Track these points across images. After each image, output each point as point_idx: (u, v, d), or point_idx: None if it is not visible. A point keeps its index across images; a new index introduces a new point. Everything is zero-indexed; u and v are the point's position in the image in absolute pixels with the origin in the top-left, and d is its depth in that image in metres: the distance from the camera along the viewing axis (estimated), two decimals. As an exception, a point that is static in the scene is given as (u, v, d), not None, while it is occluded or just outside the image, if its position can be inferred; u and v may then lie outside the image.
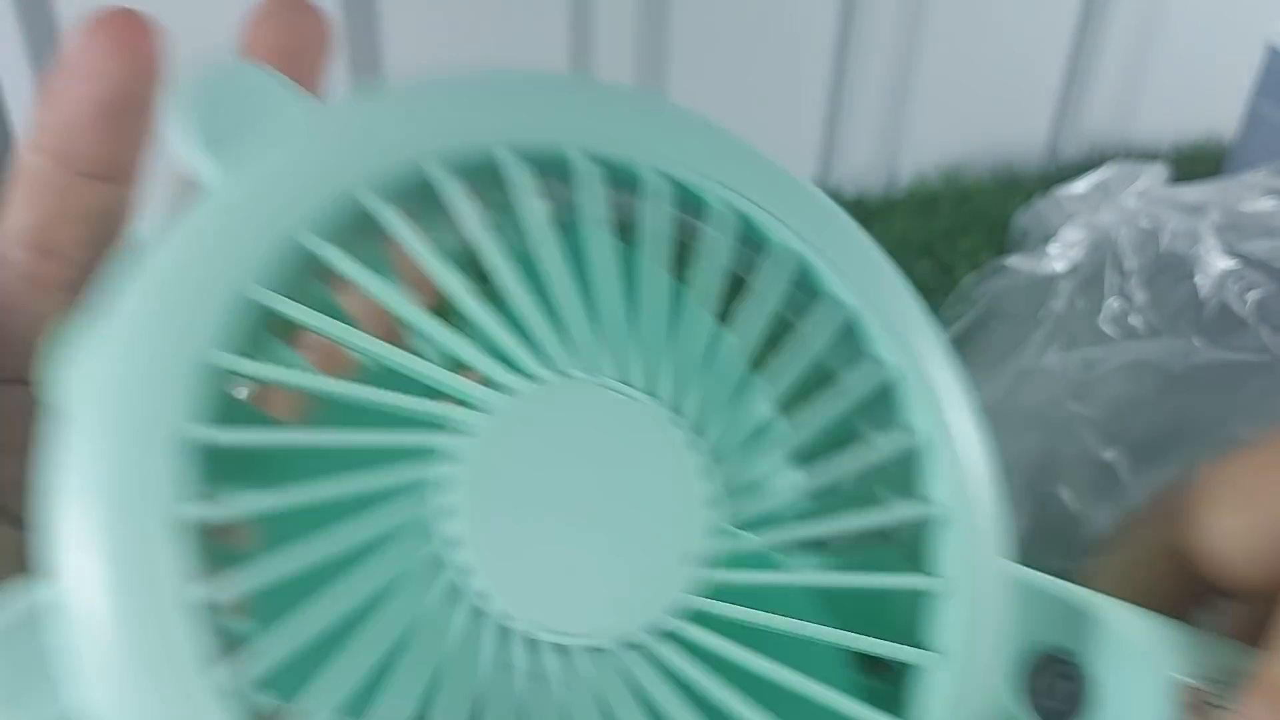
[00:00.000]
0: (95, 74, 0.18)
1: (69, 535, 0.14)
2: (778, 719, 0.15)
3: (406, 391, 0.15)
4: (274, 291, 0.15)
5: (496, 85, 0.16)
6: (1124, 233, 0.40)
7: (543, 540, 0.15)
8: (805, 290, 0.18)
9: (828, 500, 0.17)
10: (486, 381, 0.16)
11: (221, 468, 0.15)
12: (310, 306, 0.15)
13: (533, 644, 0.15)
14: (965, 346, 0.41)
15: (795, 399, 0.17)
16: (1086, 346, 0.38)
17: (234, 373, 0.15)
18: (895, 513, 0.17)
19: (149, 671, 0.14)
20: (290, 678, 0.14)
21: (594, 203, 0.17)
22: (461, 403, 0.15)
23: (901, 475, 0.18)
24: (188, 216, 0.15)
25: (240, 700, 0.14)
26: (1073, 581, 0.18)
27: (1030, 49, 0.62)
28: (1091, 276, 0.40)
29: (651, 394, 0.16)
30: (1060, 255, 0.41)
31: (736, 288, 0.18)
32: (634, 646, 0.15)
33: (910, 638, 0.17)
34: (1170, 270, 0.38)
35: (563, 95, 0.17)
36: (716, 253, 0.17)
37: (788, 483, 0.17)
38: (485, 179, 0.16)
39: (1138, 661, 0.17)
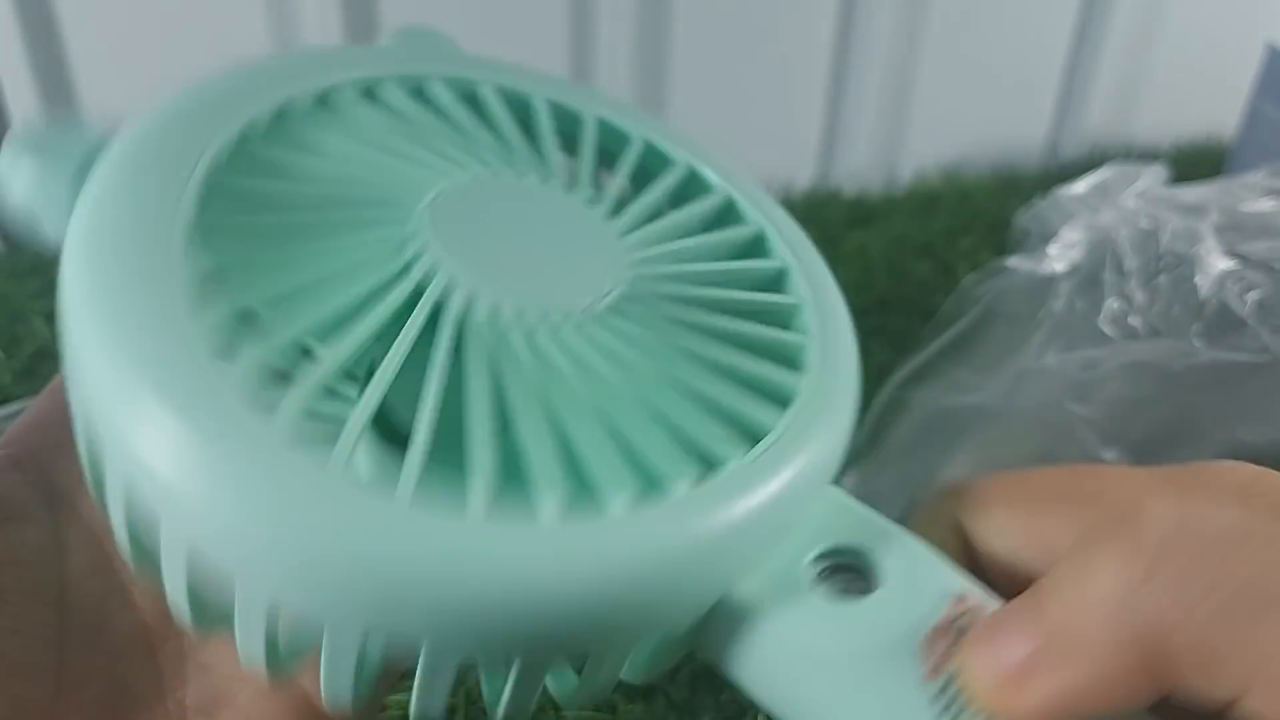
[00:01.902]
0: None
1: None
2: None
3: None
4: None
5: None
6: (1124, 233, 0.40)
7: (501, 251, 0.20)
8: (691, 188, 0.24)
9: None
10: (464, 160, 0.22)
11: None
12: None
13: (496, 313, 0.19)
14: (965, 346, 0.41)
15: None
16: (1086, 347, 0.38)
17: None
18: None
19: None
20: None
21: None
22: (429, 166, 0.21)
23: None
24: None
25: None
26: None
27: (1030, 49, 0.62)
28: (1091, 277, 0.40)
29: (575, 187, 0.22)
30: (1060, 255, 0.41)
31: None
32: (575, 317, 0.20)
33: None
34: (1170, 271, 0.38)
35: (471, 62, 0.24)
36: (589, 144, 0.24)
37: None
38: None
39: (920, 563, 0.19)
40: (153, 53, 0.50)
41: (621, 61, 0.55)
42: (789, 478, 0.19)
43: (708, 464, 0.18)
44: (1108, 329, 0.38)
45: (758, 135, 0.59)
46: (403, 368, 0.18)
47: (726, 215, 0.24)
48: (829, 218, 0.54)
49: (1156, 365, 0.35)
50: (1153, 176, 0.44)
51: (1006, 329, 0.40)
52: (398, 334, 0.18)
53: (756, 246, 0.24)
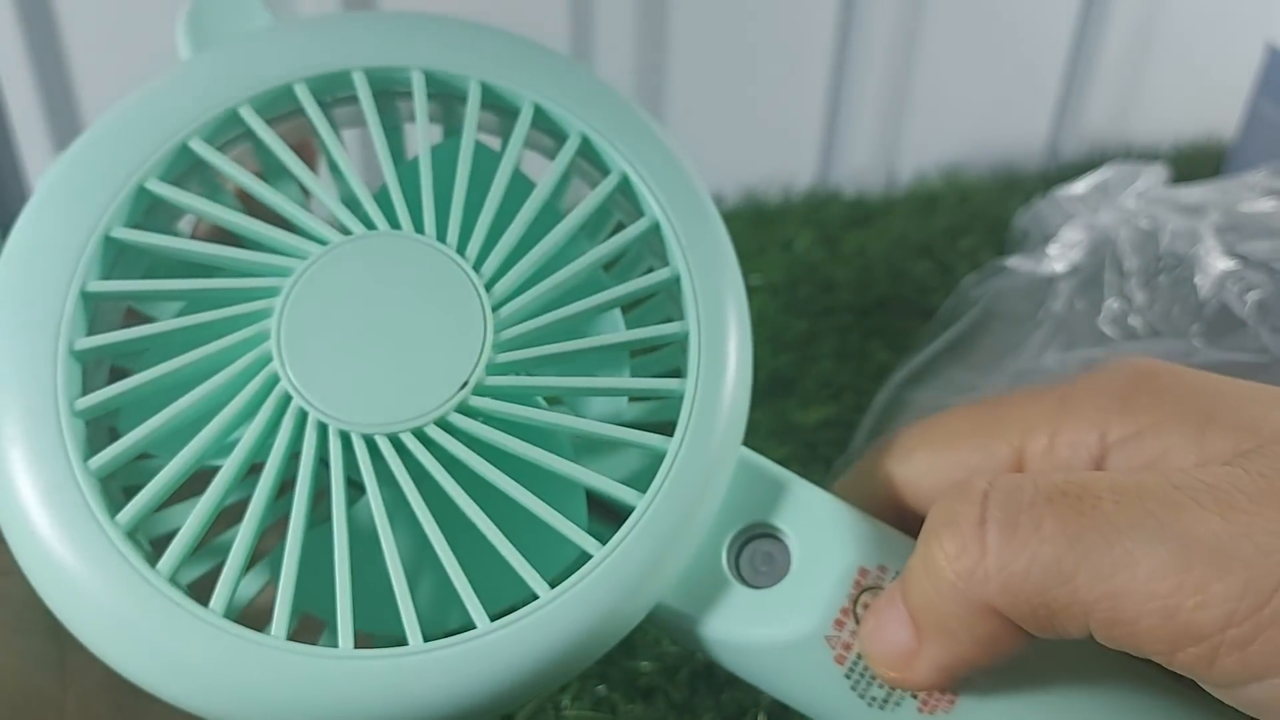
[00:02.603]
0: None
1: None
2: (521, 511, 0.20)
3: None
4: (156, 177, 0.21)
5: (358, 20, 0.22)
6: (1124, 233, 0.40)
7: (352, 358, 0.20)
8: (590, 160, 0.23)
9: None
10: (303, 233, 0.21)
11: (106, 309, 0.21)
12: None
13: (345, 437, 0.20)
14: (965, 346, 0.41)
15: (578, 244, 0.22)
16: (1086, 347, 0.38)
17: (123, 242, 0.20)
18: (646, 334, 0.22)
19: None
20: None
21: (424, 110, 0.22)
22: (282, 252, 0.21)
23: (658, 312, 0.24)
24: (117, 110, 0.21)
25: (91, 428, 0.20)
26: None
27: (1030, 49, 0.62)
28: (1091, 277, 0.40)
29: (440, 240, 0.21)
30: (1060, 256, 0.41)
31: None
32: (421, 434, 0.20)
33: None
34: (1170, 271, 0.38)
35: (407, 28, 0.23)
36: (517, 138, 0.22)
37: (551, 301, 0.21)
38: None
39: (826, 541, 0.21)
40: (153, 53, 0.50)
41: (621, 61, 0.55)
42: (623, 587, 0.20)
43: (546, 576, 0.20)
44: (1107, 329, 0.38)
45: (758, 135, 0.59)
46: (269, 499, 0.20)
47: (606, 213, 0.24)
48: (829, 218, 0.54)
49: (1156, 365, 0.35)
50: (1152, 176, 0.44)
51: (1006, 329, 0.40)
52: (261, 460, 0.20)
53: (649, 241, 0.22)
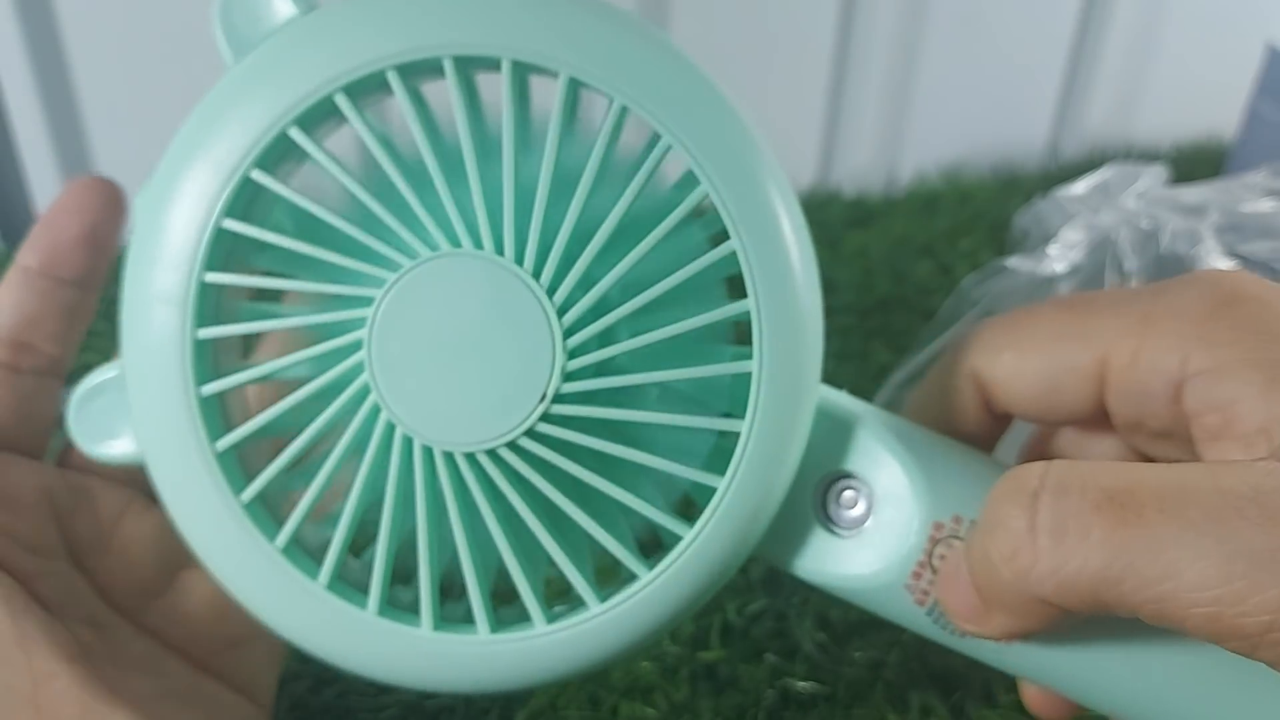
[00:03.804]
0: (84, 208, 0.25)
1: (124, 333, 0.22)
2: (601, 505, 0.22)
3: (347, 251, 0.21)
4: (258, 168, 0.21)
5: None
6: (1124, 233, 0.40)
7: (436, 375, 0.21)
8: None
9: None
10: (407, 249, 0.21)
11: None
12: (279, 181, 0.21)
13: (425, 450, 0.21)
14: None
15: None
16: (1086, 347, 0.37)
17: (234, 232, 0.21)
18: (714, 314, 0.21)
19: (173, 432, 0.22)
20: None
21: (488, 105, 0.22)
22: (385, 264, 0.21)
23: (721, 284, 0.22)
24: (216, 107, 0.21)
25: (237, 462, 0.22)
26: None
27: (1030, 49, 0.62)
28: (1091, 277, 0.40)
29: (520, 263, 0.21)
30: (1060, 256, 0.41)
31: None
32: (495, 456, 0.21)
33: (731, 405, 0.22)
34: (1170, 271, 0.38)
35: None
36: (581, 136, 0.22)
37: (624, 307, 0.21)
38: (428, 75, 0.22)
39: (900, 494, 0.23)
40: (153, 53, 0.50)
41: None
42: (691, 589, 0.22)
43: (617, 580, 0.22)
44: (1108, 329, 0.38)
45: (758, 135, 0.59)
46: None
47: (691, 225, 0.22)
48: (829, 218, 0.54)
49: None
50: (1153, 177, 0.44)
51: (1006, 329, 0.40)
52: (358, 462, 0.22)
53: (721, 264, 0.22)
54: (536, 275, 0.21)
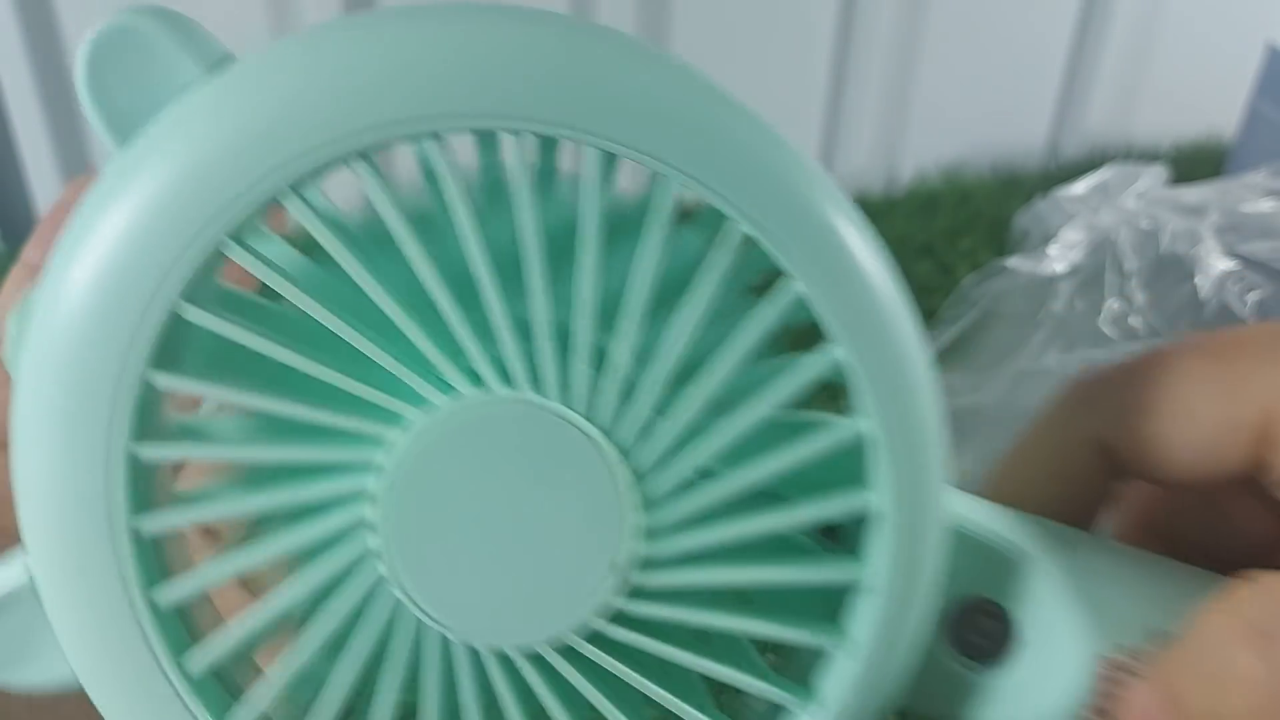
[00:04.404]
0: None
1: (30, 522, 0.16)
2: (698, 695, 0.17)
3: (326, 403, 0.16)
4: (189, 301, 0.15)
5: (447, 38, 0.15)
6: (1124, 234, 0.40)
7: (471, 556, 0.16)
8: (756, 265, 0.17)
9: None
10: (413, 396, 0.16)
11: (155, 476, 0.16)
12: (223, 313, 0.15)
13: (469, 649, 0.16)
14: (965, 347, 0.41)
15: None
16: (1086, 348, 0.38)
17: (163, 390, 0.15)
18: (820, 443, 0.17)
19: (110, 652, 0.16)
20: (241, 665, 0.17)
21: (530, 193, 0.15)
22: (386, 419, 0.16)
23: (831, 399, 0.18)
24: (102, 220, 0.15)
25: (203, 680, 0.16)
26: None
27: (1030, 49, 0.62)
28: (1091, 278, 0.40)
29: (573, 407, 0.16)
30: (1060, 256, 0.41)
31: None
32: (560, 648, 0.16)
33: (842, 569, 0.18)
34: (1170, 271, 0.38)
35: (533, 60, 0.15)
36: (656, 247, 0.16)
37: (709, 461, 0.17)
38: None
39: (1064, 629, 0.18)
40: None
41: (621, 61, 0.55)
42: None
43: None
44: (1108, 329, 0.38)
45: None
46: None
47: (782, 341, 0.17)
48: (829, 218, 0.54)
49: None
50: (1153, 177, 0.44)
51: (1006, 330, 0.40)
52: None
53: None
54: (591, 418, 0.16)
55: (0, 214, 0.51)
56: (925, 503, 0.17)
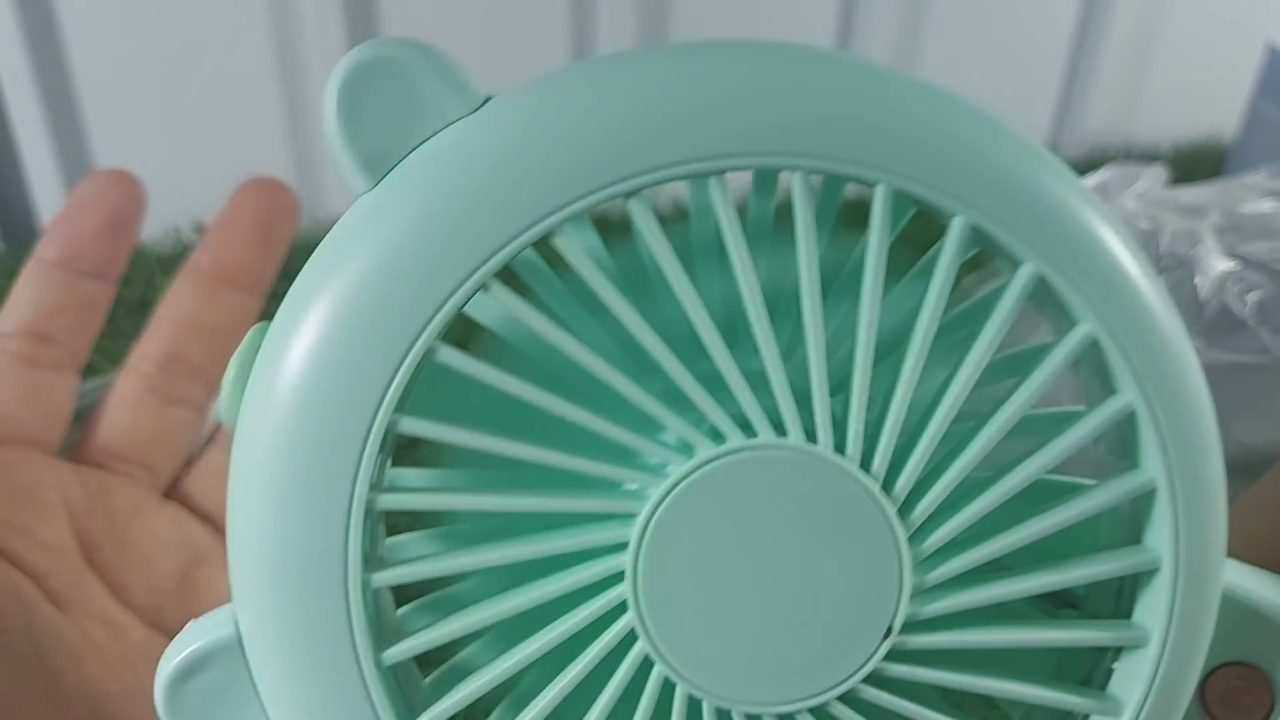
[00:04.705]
0: (104, 201, 0.25)
1: (246, 574, 0.15)
2: None
3: (579, 448, 0.15)
4: (443, 343, 0.14)
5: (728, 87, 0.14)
6: (1124, 234, 0.40)
7: (728, 613, 0.15)
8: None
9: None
10: (677, 444, 0.15)
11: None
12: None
13: (722, 715, 0.15)
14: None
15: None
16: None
17: (409, 435, 0.15)
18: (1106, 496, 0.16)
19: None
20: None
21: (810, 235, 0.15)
22: (649, 468, 0.15)
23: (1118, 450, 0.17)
24: (354, 257, 0.14)
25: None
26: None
27: (1030, 49, 0.62)
28: (1091, 277, 0.40)
29: (842, 452, 0.15)
30: (1060, 256, 0.41)
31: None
32: (822, 713, 0.16)
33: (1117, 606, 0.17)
34: (1170, 272, 0.38)
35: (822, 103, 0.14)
36: (944, 284, 0.15)
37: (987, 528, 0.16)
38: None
39: None
40: (153, 52, 0.50)
41: (622, 61, 0.55)
42: None
43: None
44: (1108, 330, 0.38)
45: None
46: None
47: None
48: (829, 218, 0.54)
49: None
50: (1153, 177, 0.44)
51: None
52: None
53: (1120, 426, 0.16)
54: (866, 468, 0.15)
55: (0, 214, 0.51)
56: (1208, 560, 0.16)
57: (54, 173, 0.51)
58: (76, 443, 0.26)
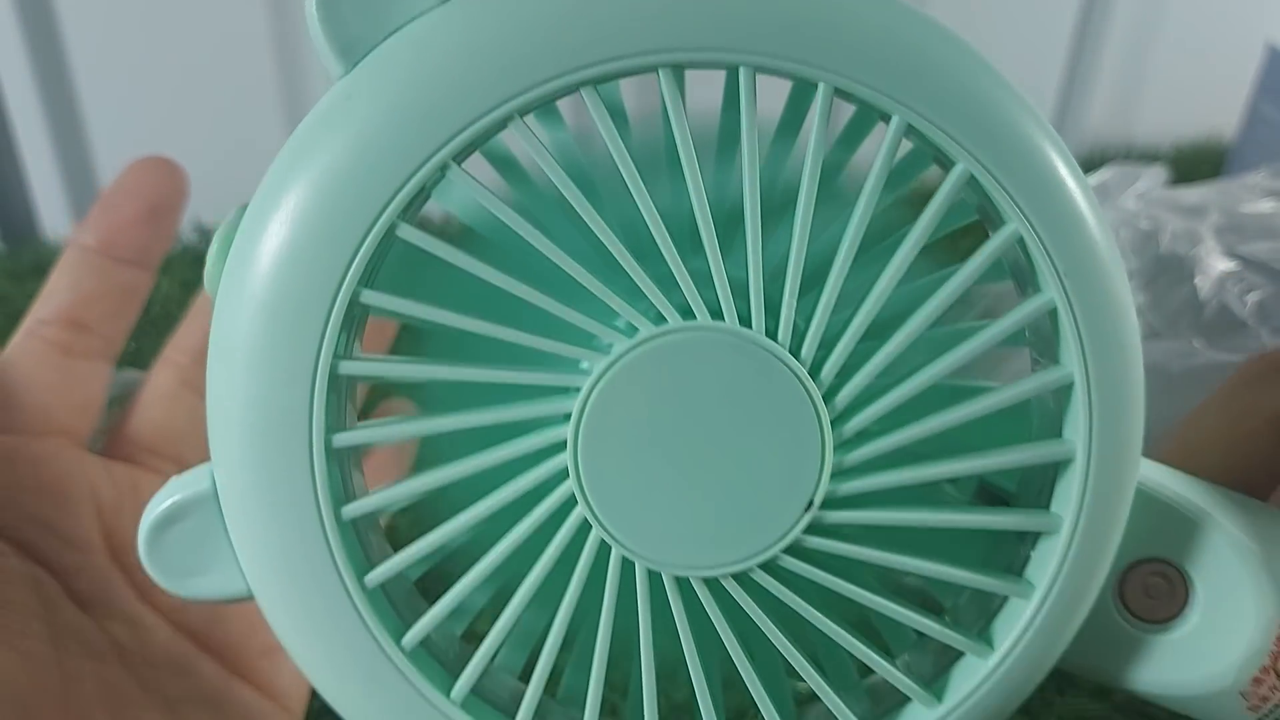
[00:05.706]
0: (144, 188, 0.25)
1: (222, 433, 0.16)
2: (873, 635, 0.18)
3: (528, 327, 0.16)
4: (403, 221, 0.15)
5: None
6: (1124, 234, 0.40)
7: (662, 483, 0.16)
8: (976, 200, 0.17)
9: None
10: (624, 327, 0.16)
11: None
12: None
13: (653, 576, 0.17)
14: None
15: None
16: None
17: (374, 307, 0.16)
18: (1025, 388, 0.17)
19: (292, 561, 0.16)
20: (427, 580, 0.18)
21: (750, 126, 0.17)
22: (593, 345, 0.16)
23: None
24: (326, 139, 0.15)
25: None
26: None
27: (1030, 49, 0.62)
28: (1091, 277, 0.40)
29: (774, 338, 0.16)
30: (1060, 256, 0.41)
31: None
32: (745, 578, 0.17)
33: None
34: (1170, 272, 0.38)
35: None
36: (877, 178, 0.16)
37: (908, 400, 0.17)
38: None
39: (1245, 591, 0.18)
40: (153, 52, 0.50)
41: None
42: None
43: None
44: (1108, 330, 0.38)
45: (758, 135, 0.59)
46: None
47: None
48: (829, 218, 0.54)
49: (1156, 366, 0.35)
50: (1153, 177, 0.44)
51: (1006, 330, 0.40)
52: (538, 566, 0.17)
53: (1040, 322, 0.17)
54: (795, 352, 0.16)
55: (0, 214, 0.51)
56: (1121, 454, 0.17)
57: (54, 173, 0.51)
58: (107, 434, 0.25)
